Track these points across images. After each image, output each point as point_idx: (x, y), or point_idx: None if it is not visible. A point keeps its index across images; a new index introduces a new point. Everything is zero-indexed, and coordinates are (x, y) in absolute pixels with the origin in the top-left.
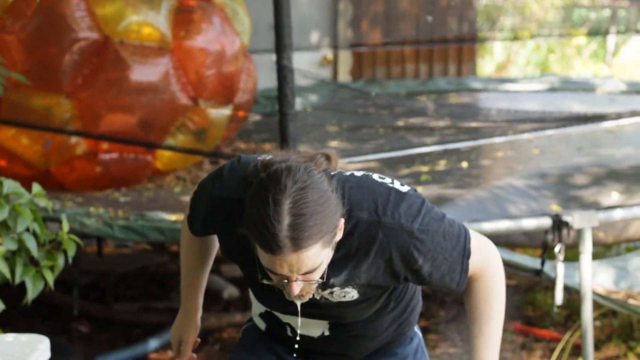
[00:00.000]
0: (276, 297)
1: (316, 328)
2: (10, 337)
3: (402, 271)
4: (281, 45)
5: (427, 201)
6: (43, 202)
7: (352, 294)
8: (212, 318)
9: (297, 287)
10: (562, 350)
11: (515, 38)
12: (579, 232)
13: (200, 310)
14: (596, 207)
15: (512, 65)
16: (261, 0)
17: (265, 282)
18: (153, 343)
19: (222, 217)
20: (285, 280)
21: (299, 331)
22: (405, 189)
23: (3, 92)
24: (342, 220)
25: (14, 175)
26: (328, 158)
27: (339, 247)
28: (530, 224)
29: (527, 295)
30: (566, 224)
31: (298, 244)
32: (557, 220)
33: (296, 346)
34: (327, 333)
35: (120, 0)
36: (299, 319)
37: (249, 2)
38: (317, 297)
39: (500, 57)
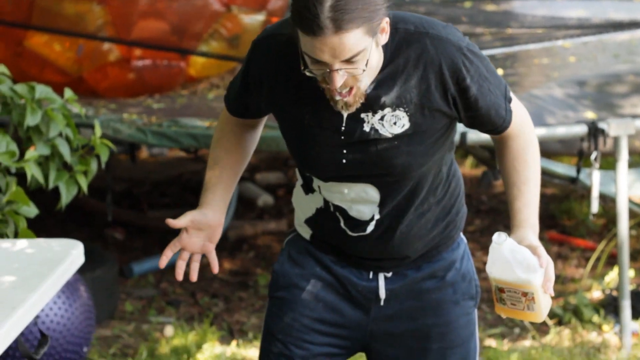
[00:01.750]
0: (320, 149)
1: (365, 206)
2: (44, 242)
3: (452, 88)
4: None
5: None
6: (76, 108)
7: (403, 121)
8: (246, 225)
9: (339, 78)
10: (598, 259)
11: None
12: (615, 140)
13: (223, 212)
14: (633, 115)
15: None
16: None
17: (307, 73)
18: None
19: (266, 54)
20: (327, 70)
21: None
22: None
23: None
24: (387, 20)
25: (46, 82)
26: None
27: (387, 62)
28: (566, 131)
29: (563, 204)
30: (602, 132)
31: (339, 25)
32: (593, 127)
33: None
34: (377, 216)
35: None
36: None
37: None
38: (367, 128)
39: None
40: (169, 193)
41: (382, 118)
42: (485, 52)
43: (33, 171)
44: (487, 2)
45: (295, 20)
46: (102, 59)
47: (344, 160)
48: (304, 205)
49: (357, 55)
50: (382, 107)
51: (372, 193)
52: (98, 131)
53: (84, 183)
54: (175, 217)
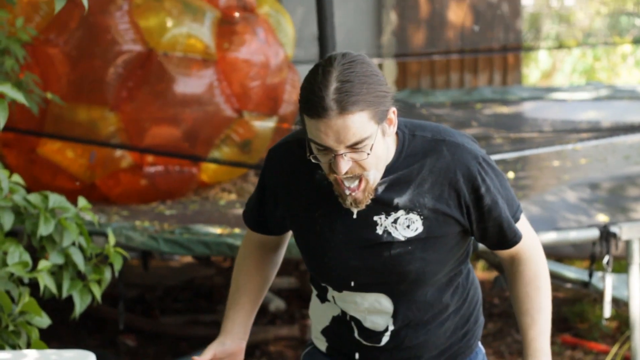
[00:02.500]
0: (333, 254)
1: (379, 317)
2: (55, 353)
3: (466, 195)
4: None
5: None
6: (89, 216)
7: (416, 224)
8: (258, 331)
9: (344, 164)
10: None
11: (561, 47)
12: (627, 244)
13: (244, 337)
14: None
15: (557, 73)
16: (305, 10)
17: (312, 159)
18: None
19: (280, 161)
20: (333, 156)
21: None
22: None
23: (37, 111)
24: (394, 110)
25: (58, 189)
26: None
27: (403, 166)
28: (578, 235)
29: (575, 307)
30: (614, 235)
31: (343, 106)
32: (604, 231)
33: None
34: (391, 327)
35: (163, 11)
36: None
37: (293, 12)
38: (379, 231)
39: (546, 65)
40: (181, 298)
41: (395, 221)
42: (497, 156)
43: (46, 282)
44: (497, 104)
45: (302, 106)
46: (115, 165)
47: (357, 266)
48: (320, 314)
49: (362, 141)
50: (396, 210)
51: (385, 303)
52: (112, 239)
53: (97, 292)
54: (187, 323)
